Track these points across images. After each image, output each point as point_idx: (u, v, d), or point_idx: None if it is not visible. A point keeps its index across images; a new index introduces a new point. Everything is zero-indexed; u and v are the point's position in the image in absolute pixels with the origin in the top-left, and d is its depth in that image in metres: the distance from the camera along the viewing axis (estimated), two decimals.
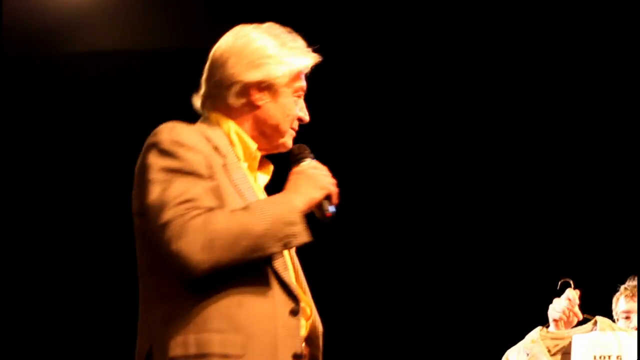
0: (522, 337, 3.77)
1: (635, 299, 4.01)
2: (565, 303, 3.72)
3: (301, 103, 2.40)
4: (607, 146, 5.49)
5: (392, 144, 5.63)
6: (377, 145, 5.61)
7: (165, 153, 2.19)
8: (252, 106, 2.35)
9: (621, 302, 4.05)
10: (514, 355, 3.72)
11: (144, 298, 2.24)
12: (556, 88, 5.51)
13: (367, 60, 5.51)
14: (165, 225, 2.11)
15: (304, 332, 2.27)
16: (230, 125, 2.35)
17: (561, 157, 5.55)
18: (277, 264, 2.22)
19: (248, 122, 2.35)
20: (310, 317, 2.32)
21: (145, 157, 2.21)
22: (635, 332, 3.74)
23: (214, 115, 2.36)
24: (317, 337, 2.34)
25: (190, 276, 2.11)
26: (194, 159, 2.18)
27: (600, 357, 3.55)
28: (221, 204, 2.16)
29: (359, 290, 5.53)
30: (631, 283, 4.09)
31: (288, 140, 2.38)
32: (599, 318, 3.70)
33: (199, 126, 2.33)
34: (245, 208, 2.16)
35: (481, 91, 5.58)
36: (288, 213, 2.16)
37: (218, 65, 2.35)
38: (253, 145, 2.35)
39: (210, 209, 2.13)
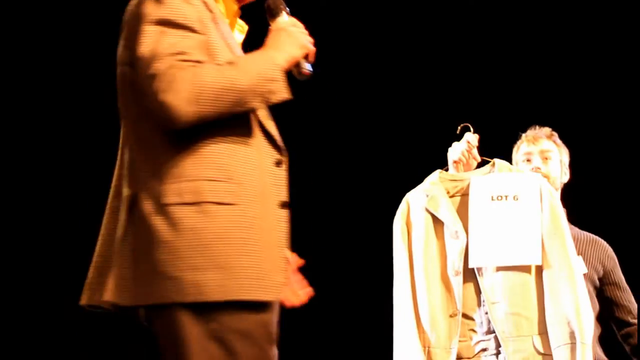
0: (421, 181, 3.80)
1: (537, 143, 4.06)
2: (464, 145, 3.76)
3: None
4: None
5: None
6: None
7: (161, 2, 2.20)
8: None
9: (522, 147, 4.10)
10: (414, 198, 3.74)
11: (131, 146, 2.24)
12: None
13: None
14: (154, 76, 2.11)
15: None
16: None
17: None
18: (261, 115, 2.26)
19: None
20: None
21: (140, 6, 2.21)
22: (532, 173, 3.82)
23: None
24: None
25: (175, 127, 2.12)
26: (188, 12, 2.20)
27: (497, 197, 3.60)
28: (211, 59, 2.18)
29: None
30: (532, 131, 4.14)
31: None
32: (497, 161, 3.75)
33: None
34: (230, 63, 2.18)
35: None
36: (270, 69, 2.18)
37: None
38: (233, 5, 2.41)
39: (199, 62, 2.14)
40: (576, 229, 4.04)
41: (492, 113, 5.11)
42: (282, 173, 2.26)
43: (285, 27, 2.30)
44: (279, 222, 2.22)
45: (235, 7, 2.41)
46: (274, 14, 2.35)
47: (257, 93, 2.16)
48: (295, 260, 2.40)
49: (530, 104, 5.27)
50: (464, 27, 5.52)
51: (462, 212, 3.64)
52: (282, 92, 2.19)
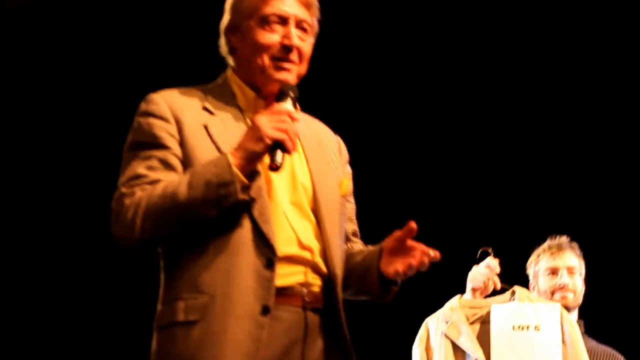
0: (439, 304, 3.78)
1: (563, 257, 4.04)
2: (485, 271, 3.73)
3: (283, 29, 2.28)
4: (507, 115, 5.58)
5: None
6: None
7: (135, 126, 2.25)
8: (236, 52, 2.33)
9: (545, 260, 4.07)
10: (434, 323, 3.72)
11: None
12: None
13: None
14: (111, 205, 2.18)
15: (288, 281, 2.20)
16: (231, 77, 2.35)
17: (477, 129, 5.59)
18: (258, 214, 2.15)
19: (241, 69, 2.33)
20: (311, 261, 2.24)
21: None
22: (552, 303, 3.79)
23: (228, 70, 2.37)
24: (324, 282, 2.28)
25: (129, 253, 2.19)
26: (156, 129, 2.21)
27: (519, 327, 3.58)
28: (186, 164, 2.17)
29: None
30: (553, 242, 4.12)
31: (273, 73, 2.27)
32: (517, 288, 3.72)
33: (202, 86, 2.33)
34: (186, 175, 2.14)
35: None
36: (221, 173, 2.10)
37: None
38: (250, 93, 2.32)
39: (155, 181, 2.15)
40: (593, 342, 4.01)
41: (509, 237, 5.10)
42: (270, 274, 2.13)
43: (258, 117, 2.15)
44: (255, 330, 2.11)
45: (252, 95, 2.31)
46: (279, 100, 2.22)
47: (207, 202, 2.10)
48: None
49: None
50: (482, 152, 5.57)
51: (482, 340, 3.60)
52: (233, 195, 2.09)
